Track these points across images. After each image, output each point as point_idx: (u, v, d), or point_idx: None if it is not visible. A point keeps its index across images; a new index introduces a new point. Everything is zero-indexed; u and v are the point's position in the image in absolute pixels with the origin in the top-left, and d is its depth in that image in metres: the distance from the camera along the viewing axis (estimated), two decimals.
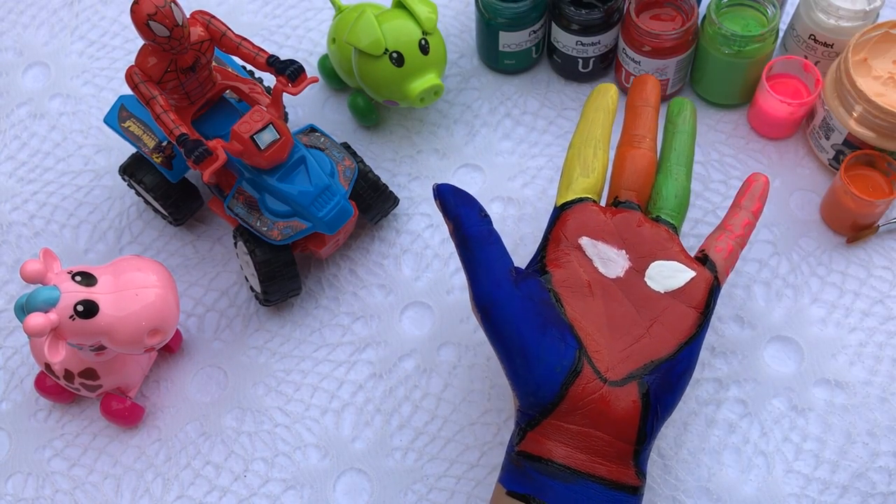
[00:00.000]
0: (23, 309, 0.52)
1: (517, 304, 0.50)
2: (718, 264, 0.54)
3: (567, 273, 0.52)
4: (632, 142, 0.57)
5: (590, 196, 0.55)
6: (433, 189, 0.54)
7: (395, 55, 0.63)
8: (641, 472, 0.49)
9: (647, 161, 0.56)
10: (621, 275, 0.52)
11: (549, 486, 0.48)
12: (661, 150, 0.58)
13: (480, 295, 0.51)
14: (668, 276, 0.52)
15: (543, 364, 0.49)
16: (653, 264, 0.53)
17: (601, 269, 0.53)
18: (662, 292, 0.52)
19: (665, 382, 0.50)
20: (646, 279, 0.52)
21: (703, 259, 0.54)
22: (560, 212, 0.55)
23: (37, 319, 0.50)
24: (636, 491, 0.49)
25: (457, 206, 0.53)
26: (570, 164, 0.56)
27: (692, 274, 0.52)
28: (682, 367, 0.50)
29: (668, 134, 0.58)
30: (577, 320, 0.51)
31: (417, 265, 0.66)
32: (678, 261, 0.53)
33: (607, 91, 0.58)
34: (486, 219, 0.53)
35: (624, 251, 0.53)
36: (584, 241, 0.53)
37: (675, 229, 0.55)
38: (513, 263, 0.53)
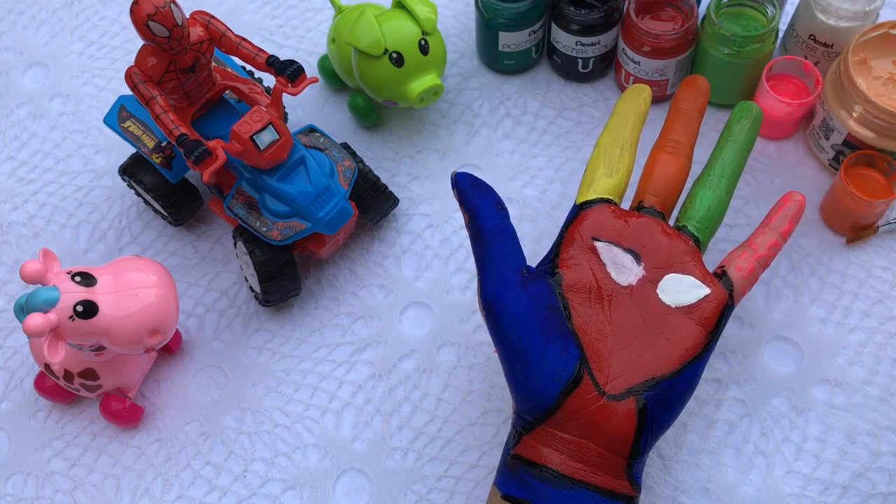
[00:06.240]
0: (22, 309, 0.52)
1: (523, 307, 0.49)
2: (736, 283, 0.52)
3: (578, 276, 0.51)
4: (667, 146, 0.55)
5: (611, 197, 0.53)
6: (451, 177, 0.53)
7: (394, 55, 0.63)
8: (636, 484, 0.49)
9: (678, 168, 0.54)
10: (633, 283, 0.51)
11: (544, 492, 0.47)
12: (710, 155, 0.56)
13: (487, 292, 0.50)
14: (680, 290, 0.51)
15: (542, 372, 0.48)
16: (667, 277, 0.51)
17: (614, 276, 0.51)
18: (673, 306, 0.51)
19: (664, 400, 0.49)
20: (658, 291, 0.51)
21: (720, 275, 0.52)
22: (579, 210, 0.53)
23: (36, 320, 0.50)
24: (630, 501, 0.48)
25: (473, 198, 0.52)
26: (595, 163, 0.55)
27: (706, 291, 0.51)
28: (683, 386, 0.49)
29: (721, 140, 0.56)
30: (583, 329, 0.49)
31: (417, 265, 0.66)
32: (694, 275, 0.51)
33: (641, 92, 0.56)
34: (502, 212, 0.52)
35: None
36: (600, 245, 0.52)
37: (699, 243, 0.53)
38: (525, 262, 0.52)
